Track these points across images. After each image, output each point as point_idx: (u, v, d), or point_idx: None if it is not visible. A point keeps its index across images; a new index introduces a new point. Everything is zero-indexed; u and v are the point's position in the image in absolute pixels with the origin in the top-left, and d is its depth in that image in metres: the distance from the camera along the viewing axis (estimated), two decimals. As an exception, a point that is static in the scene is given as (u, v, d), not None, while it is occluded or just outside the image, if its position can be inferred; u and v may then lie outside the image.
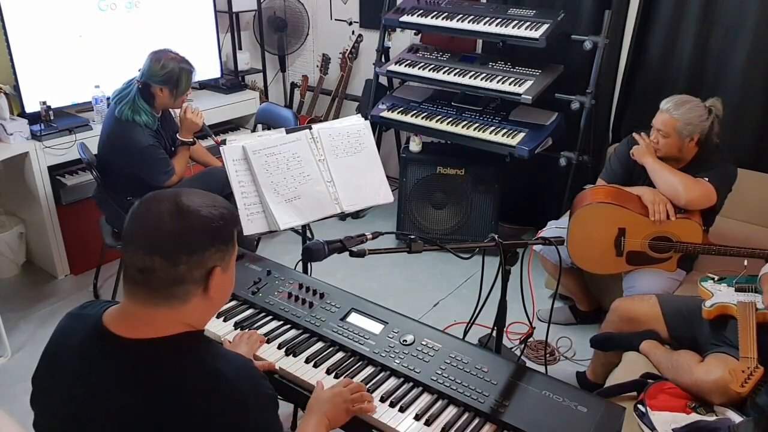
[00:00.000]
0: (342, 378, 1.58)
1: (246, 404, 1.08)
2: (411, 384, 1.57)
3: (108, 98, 2.94)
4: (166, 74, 2.71)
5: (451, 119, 3.41)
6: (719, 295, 2.13)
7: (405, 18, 3.54)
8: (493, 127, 3.29)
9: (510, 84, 3.22)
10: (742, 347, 1.88)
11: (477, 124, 3.34)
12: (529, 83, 3.19)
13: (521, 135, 3.21)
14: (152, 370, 1.06)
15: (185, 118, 2.90)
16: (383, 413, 1.48)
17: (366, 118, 2.58)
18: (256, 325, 1.78)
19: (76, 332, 1.15)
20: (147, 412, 1.04)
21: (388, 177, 2.45)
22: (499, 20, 3.30)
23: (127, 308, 1.10)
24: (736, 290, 2.13)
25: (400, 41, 4.08)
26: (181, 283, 1.06)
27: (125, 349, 1.08)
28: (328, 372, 1.60)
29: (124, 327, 1.09)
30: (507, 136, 3.22)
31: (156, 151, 2.79)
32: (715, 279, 2.21)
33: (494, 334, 1.95)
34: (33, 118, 3.15)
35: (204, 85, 4.09)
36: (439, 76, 3.41)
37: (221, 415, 1.05)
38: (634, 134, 2.69)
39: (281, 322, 1.79)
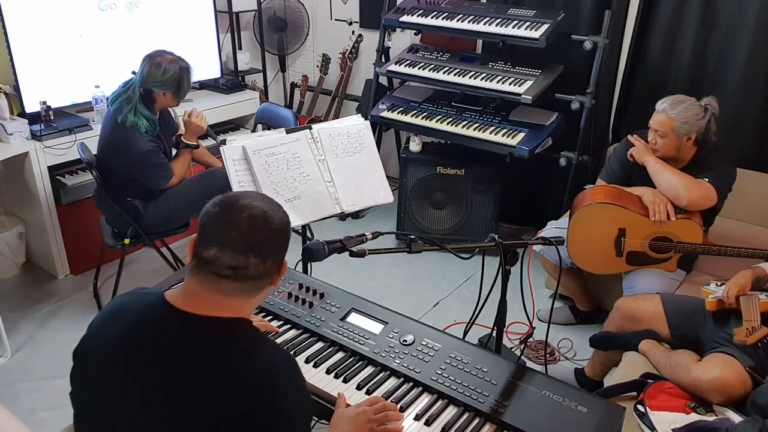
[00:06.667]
0: (368, 394, 1.55)
1: (283, 390, 1.14)
2: (411, 384, 1.57)
3: (108, 98, 2.94)
4: (169, 78, 2.71)
5: (451, 119, 3.41)
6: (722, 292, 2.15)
7: (405, 18, 3.54)
8: (493, 127, 3.29)
9: (510, 84, 3.22)
10: (746, 317, 2.00)
11: (477, 124, 3.34)
12: (529, 83, 3.19)
13: (521, 135, 3.21)
14: (212, 342, 1.14)
15: (190, 122, 2.91)
16: (383, 413, 1.48)
17: (366, 118, 2.58)
18: (256, 325, 1.78)
19: (132, 308, 1.22)
20: (199, 378, 1.10)
21: (388, 177, 2.45)
22: (499, 20, 3.30)
23: (198, 292, 1.16)
24: None
25: (400, 41, 4.08)
26: (266, 278, 1.19)
27: (188, 320, 1.15)
28: (328, 372, 1.60)
29: (189, 304, 1.16)
30: (507, 136, 3.22)
31: (155, 156, 2.79)
32: (718, 284, 2.22)
33: (494, 334, 1.95)
34: (33, 118, 3.15)
35: (204, 85, 4.09)
36: (439, 76, 3.41)
37: (261, 393, 1.11)
38: (628, 137, 2.69)
39: (281, 322, 1.79)
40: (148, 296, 1.23)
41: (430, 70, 3.46)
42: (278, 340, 1.72)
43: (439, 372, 1.57)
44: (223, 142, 2.21)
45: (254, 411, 1.10)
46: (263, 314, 1.83)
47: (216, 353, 1.13)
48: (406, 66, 3.54)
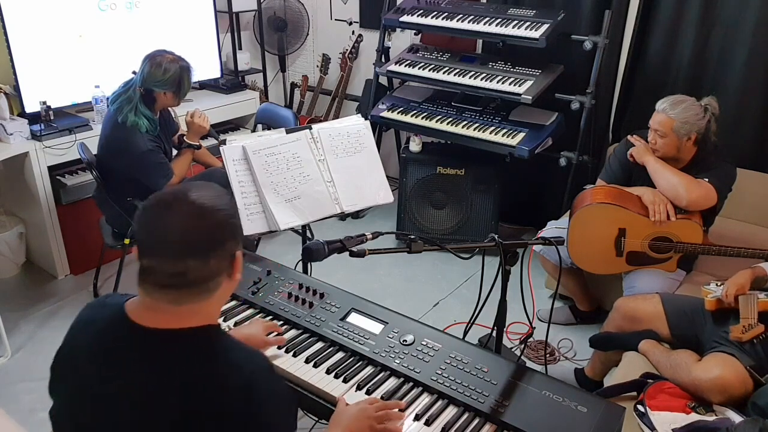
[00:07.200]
0: (368, 395, 1.55)
1: (260, 399, 1.09)
2: (411, 384, 1.57)
3: (108, 98, 2.94)
4: (169, 78, 2.71)
5: (451, 119, 3.41)
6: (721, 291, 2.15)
7: (405, 18, 3.54)
8: (493, 127, 3.29)
9: (510, 84, 3.22)
10: (743, 314, 2.02)
11: (477, 124, 3.34)
12: (529, 83, 3.19)
13: (521, 135, 3.21)
14: (174, 358, 1.08)
15: (193, 122, 2.92)
16: (383, 413, 1.48)
17: (366, 118, 2.58)
18: (256, 325, 1.78)
19: (97, 321, 1.17)
20: (167, 398, 1.06)
21: (388, 177, 2.45)
22: (499, 20, 3.30)
23: (151, 303, 1.11)
24: None
25: (400, 41, 4.08)
26: (214, 277, 1.11)
27: (147, 337, 1.10)
28: (328, 372, 1.60)
29: (147, 317, 1.11)
30: (507, 136, 3.22)
31: (155, 155, 2.79)
32: (718, 284, 2.22)
33: (494, 334, 1.95)
34: (33, 118, 3.15)
35: (204, 85, 4.09)
36: (439, 76, 3.41)
37: (236, 406, 1.06)
38: (628, 137, 2.69)
39: (281, 323, 1.79)
40: (111, 308, 1.16)
41: (430, 70, 3.46)
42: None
43: (439, 372, 1.57)
44: (223, 142, 2.21)
45: (229, 426, 1.06)
46: (263, 314, 1.83)
47: (179, 372, 1.07)
48: (406, 66, 3.54)
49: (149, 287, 1.09)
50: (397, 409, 1.47)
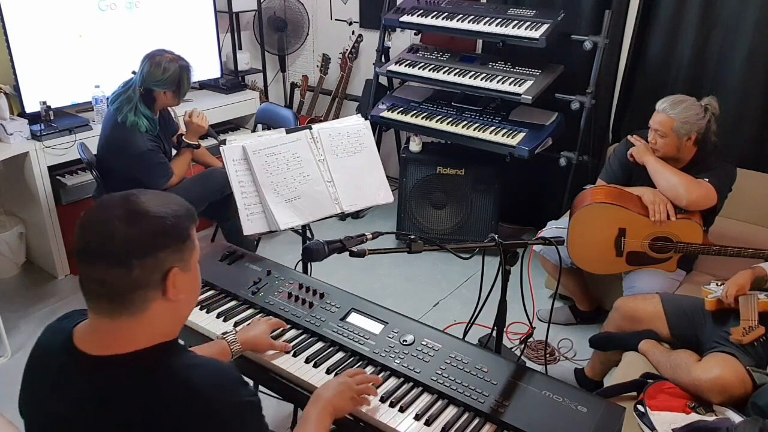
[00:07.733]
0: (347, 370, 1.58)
1: (220, 414, 1.03)
2: (411, 384, 1.57)
3: (108, 98, 2.94)
4: (169, 77, 2.71)
5: (451, 119, 3.41)
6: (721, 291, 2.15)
7: (405, 18, 3.54)
8: (493, 127, 3.29)
9: (510, 84, 3.22)
10: (743, 316, 2.02)
11: (477, 124, 3.34)
12: (529, 83, 3.19)
13: (521, 135, 3.21)
14: (121, 390, 1.02)
15: (191, 122, 2.92)
16: (383, 413, 1.48)
17: (366, 118, 2.58)
18: (256, 325, 1.78)
19: (51, 347, 1.13)
20: (121, 430, 1.02)
21: (388, 177, 2.45)
22: (499, 20, 3.30)
23: (94, 323, 1.06)
24: None
25: (400, 41, 4.08)
26: (139, 289, 1.01)
27: (93, 368, 1.04)
28: (328, 372, 1.60)
29: (92, 344, 1.05)
30: (507, 136, 3.22)
31: (155, 155, 2.79)
32: (718, 284, 2.23)
33: (494, 334, 1.95)
34: (33, 118, 3.15)
35: (204, 85, 4.09)
36: (439, 76, 3.41)
37: (197, 427, 1.02)
38: (628, 137, 2.70)
39: (281, 322, 1.79)
40: (63, 333, 1.10)
41: (430, 70, 3.46)
42: (278, 341, 1.72)
43: (439, 372, 1.57)
44: (223, 142, 2.21)
45: None
46: (263, 314, 1.83)
47: (128, 402, 1.01)
48: (406, 66, 3.54)
49: (87, 299, 1.04)
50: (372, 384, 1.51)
